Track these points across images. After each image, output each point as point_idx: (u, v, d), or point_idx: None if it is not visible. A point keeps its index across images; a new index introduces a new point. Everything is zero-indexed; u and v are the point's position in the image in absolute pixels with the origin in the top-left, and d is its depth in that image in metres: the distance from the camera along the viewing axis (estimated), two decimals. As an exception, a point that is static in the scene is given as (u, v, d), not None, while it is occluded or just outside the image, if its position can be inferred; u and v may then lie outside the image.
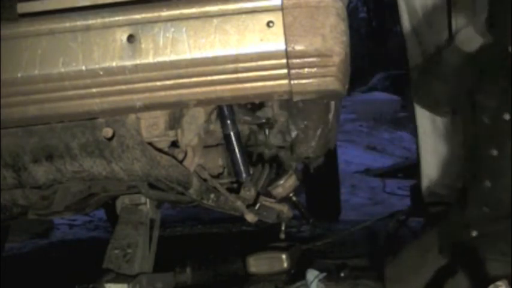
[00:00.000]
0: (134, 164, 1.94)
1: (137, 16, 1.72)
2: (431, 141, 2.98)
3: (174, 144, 2.05)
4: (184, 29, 1.71)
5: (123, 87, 1.76)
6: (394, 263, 2.21)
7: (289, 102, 2.04)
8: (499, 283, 1.75)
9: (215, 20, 1.70)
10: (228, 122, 2.05)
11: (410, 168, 4.94)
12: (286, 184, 2.26)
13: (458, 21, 2.58)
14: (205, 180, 2.13)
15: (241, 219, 2.17)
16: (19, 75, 1.74)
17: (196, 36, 1.70)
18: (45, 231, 4.18)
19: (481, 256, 1.90)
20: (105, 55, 1.72)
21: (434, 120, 2.93)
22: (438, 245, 2.11)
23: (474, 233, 1.98)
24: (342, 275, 2.59)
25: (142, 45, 1.72)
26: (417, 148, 3.12)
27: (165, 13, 1.71)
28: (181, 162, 2.05)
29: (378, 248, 3.04)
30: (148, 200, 2.40)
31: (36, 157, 1.94)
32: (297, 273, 2.63)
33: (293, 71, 1.71)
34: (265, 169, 2.24)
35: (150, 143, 1.96)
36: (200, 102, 1.84)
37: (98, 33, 1.73)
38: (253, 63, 1.71)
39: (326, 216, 4.12)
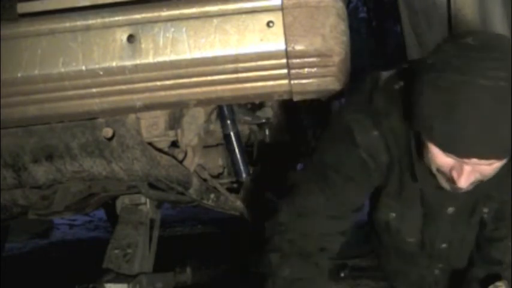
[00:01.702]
0: (134, 164, 1.94)
1: (137, 16, 1.72)
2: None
3: (174, 144, 2.05)
4: (184, 29, 1.70)
5: (123, 87, 1.76)
6: None
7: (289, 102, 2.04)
8: (498, 283, 1.75)
9: (215, 20, 1.70)
10: (228, 122, 2.05)
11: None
12: None
13: (458, 21, 2.58)
14: (205, 180, 2.14)
15: (241, 219, 2.17)
16: (19, 75, 1.74)
17: (196, 36, 1.70)
18: (45, 231, 4.17)
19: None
20: (105, 55, 1.72)
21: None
22: None
23: None
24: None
25: (142, 45, 1.72)
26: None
27: (165, 13, 1.71)
28: (181, 162, 2.05)
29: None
30: (148, 200, 2.40)
31: (36, 157, 1.94)
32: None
33: (293, 71, 1.71)
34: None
35: (150, 143, 1.96)
36: (200, 102, 1.84)
37: (98, 33, 1.73)
38: (253, 63, 1.71)
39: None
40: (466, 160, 1.43)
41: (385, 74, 1.67)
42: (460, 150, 1.42)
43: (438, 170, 1.52)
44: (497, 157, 1.43)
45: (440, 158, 1.48)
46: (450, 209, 1.74)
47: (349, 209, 1.71)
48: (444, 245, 1.83)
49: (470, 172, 1.46)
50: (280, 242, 1.66)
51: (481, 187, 1.56)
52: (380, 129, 1.61)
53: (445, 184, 1.56)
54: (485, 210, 1.75)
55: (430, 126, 1.42)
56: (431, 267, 1.90)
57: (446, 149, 1.44)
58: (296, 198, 1.69)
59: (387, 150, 1.64)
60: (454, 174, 1.48)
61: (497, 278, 1.77)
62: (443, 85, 1.39)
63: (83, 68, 1.73)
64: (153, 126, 1.95)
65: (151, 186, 2.20)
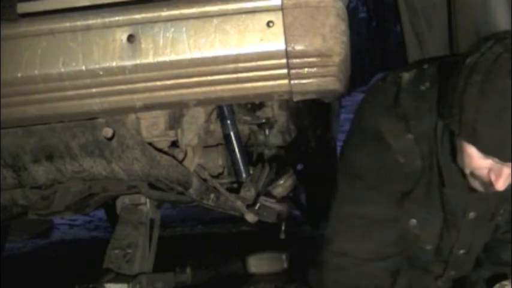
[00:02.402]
0: (134, 164, 1.95)
1: (137, 16, 1.72)
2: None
3: (174, 144, 2.05)
4: (184, 29, 1.71)
5: (123, 87, 1.76)
6: None
7: (289, 102, 2.04)
8: (505, 282, 1.75)
9: (215, 20, 1.70)
10: (228, 122, 2.05)
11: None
12: (286, 184, 2.25)
13: (458, 21, 2.58)
14: (205, 180, 2.13)
15: (241, 219, 2.17)
16: (19, 75, 1.74)
17: (196, 36, 1.70)
18: (45, 231, 4.17)
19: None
20: (105, 55, 1.73)
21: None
22: None
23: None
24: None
25: (142, 45, 1.72)
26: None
27: (165, 13, 1.71)
28: (181, 162, 2.05)
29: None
30: (148, 200, 2.40)
31: (36, 157, 1.94)
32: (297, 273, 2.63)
33: (293, 71, 1.71)
34: (265, 169, 2.24)
35: (150, 143, 1.96)
36: (200, 102, 1.84)
37: (98, 33, 1.73)
38: (253, 63, 1.71)
39: (326, 216, 4.10)
40: (508, 163, 1.38)
41: (406, 75, 1.59)
42: (506, 154, 1.36)
43: (472, 173, 1.47)
44: None
45: (478, 161, 1.42)
46: (472, 214, 1.68)
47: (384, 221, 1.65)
48: (462, 251, 1.77)
49: (508, 175, 1.41)
50: (325, 257, 1.73)
51: (504, 190, 1.50)
52: (412, 132, 1.54)
53: (478, 186, 1.51)
54: (501, 212, 1.71)
55: (473, 129, 1.36)
56: (444, 274, 1.84)
57: (490, 152, 1.38)
58: (332, 212, 1.74)
59: (420, 154, 1.57)
60: (492, 177, 1.42)
61: (502, 276, 1.77)
62: (492, 88, 1.32)
63: (83, 68, 1.73)
64: (153, 126, 1.95)
65: (151, 186, 2.20)
